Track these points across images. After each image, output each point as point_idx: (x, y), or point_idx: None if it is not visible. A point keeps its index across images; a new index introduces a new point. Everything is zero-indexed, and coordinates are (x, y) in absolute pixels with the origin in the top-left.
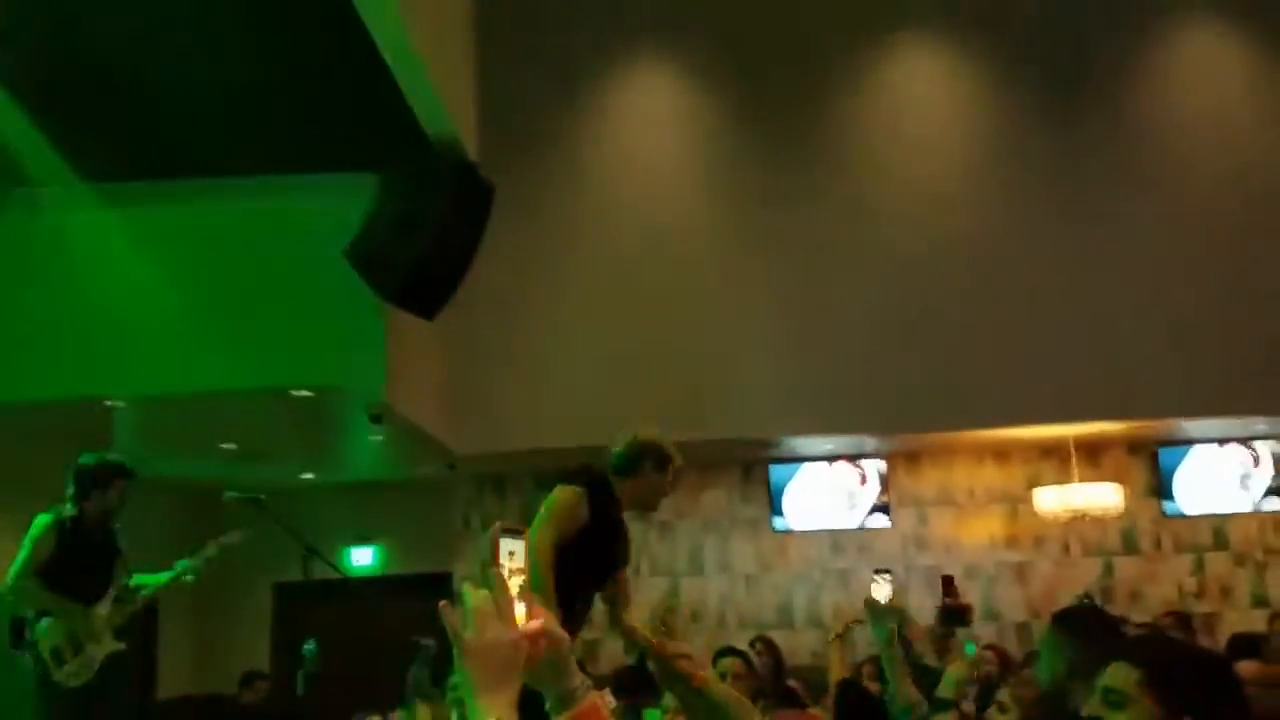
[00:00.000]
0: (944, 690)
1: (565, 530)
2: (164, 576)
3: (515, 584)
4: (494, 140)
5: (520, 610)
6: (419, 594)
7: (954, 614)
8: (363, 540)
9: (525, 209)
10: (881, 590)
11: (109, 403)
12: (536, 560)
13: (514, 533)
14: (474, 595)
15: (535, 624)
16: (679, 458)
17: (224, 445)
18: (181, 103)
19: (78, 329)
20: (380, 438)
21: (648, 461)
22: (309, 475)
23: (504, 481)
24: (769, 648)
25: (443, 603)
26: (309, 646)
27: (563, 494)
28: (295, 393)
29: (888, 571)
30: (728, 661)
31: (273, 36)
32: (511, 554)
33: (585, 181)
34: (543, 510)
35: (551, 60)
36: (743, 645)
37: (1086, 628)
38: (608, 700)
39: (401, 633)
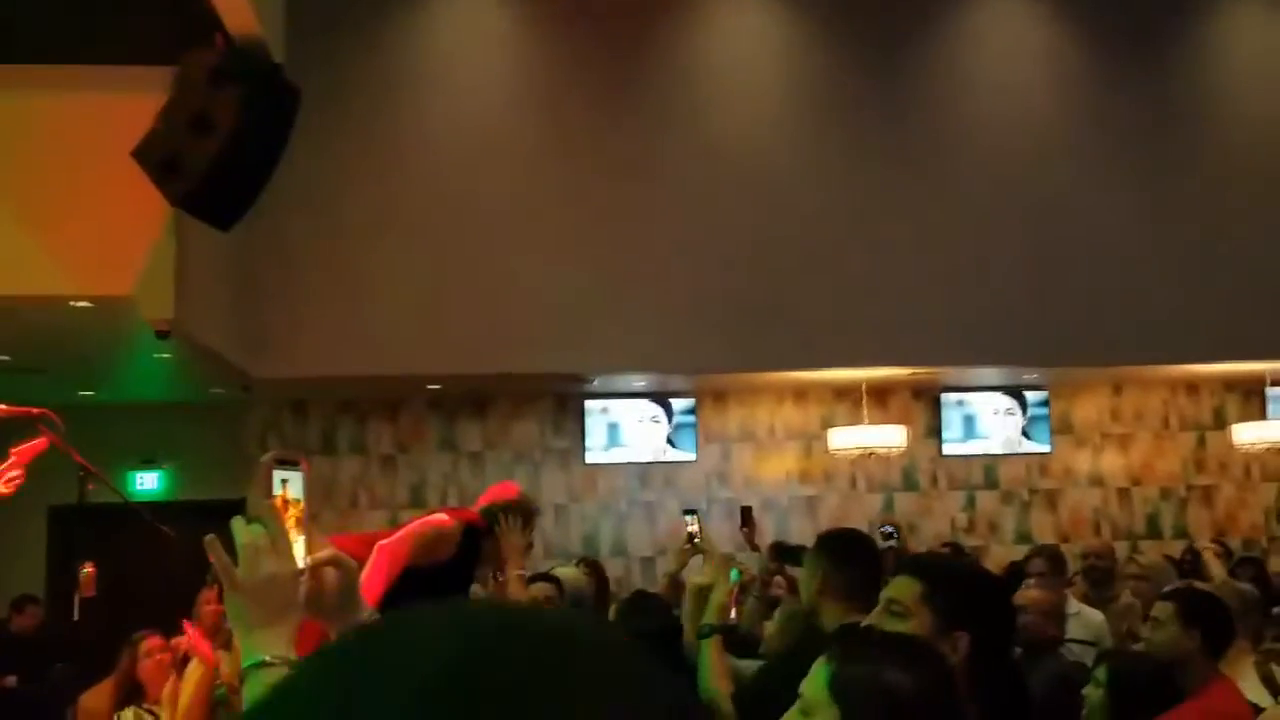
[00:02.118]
0: (707, 616)
1: (429, 553)
2: None
3: (291, 516)
4: (308, 46)
5: (300, 543)
6: (209, 520)
7: (788, 551)
8: (148, 464)
9: (339, 121)
10: (691, 529)
11: None
12: (383, 563)
13: (288, 463)
14: (244, 530)
15: (322, 554)
16: (539, 511)
17: None
18: None
19: None
20: (168, 356)
21: (515, 519)
22: (89, 393)
23: (305, 405)
24: (594, 569)
25: (208, 537)
26: (84, 571)
27: (443, 521)
28: (74, 303)
29: (695, 511)
30: (539, 587)
31: None
32: (285, 482)
33: (405, 96)
34: (411, 525)
35: None
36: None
37: (845, 550)
38: None
39: (189, 560)
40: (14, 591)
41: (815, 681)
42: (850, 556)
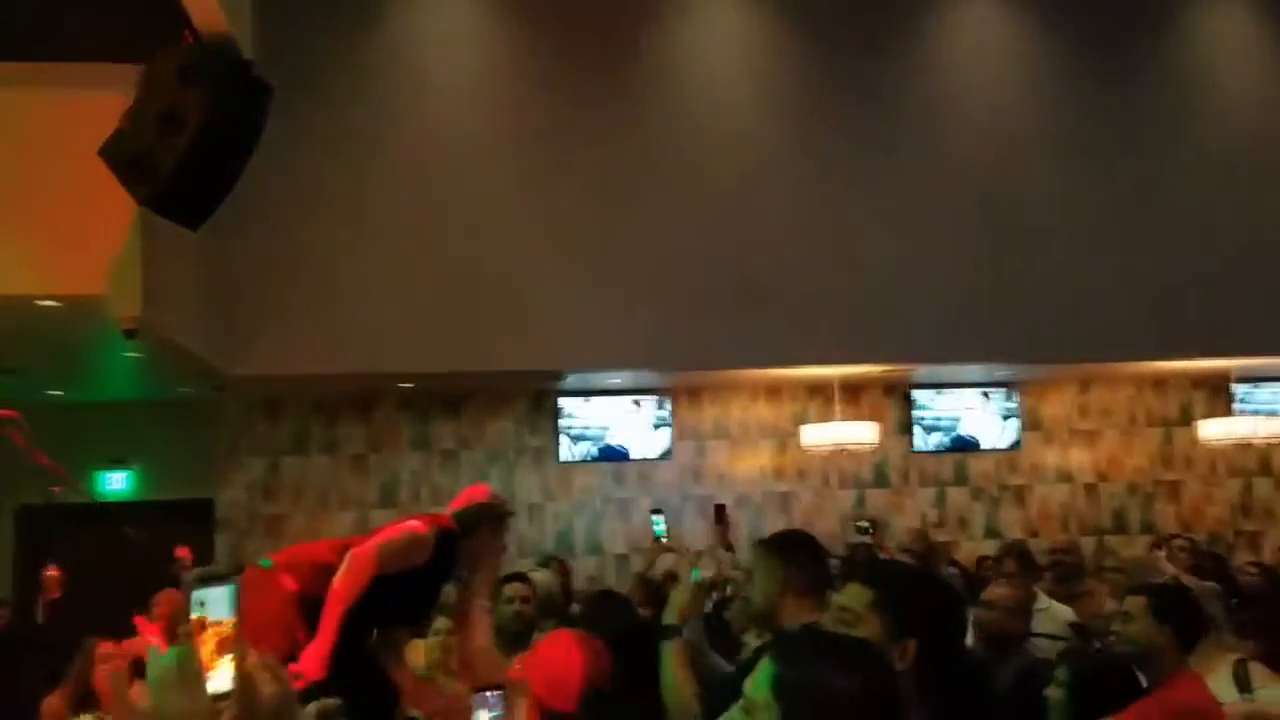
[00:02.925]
0: (668, 616)
1: (404, 560)
2: None
3: (213, 639)
4: (279, 42)
5: (225, 667)
6: (178, 521)
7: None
8: (117, 463)
9: (310, 118)
10: (660, 528)
11: None
12: (354, 571)
13: (214, 579)
14: (154, 664)
15: (251, 664)
16: (513, 513)
17: None
18: None
19: None
20: (138, 355)
21: (485, 523)
22: (58, 392)
23: (277, 405)
24: (562, 566)
25: (112, 672)
26: (49, 574)
27: (418, 528)
28: (41, 303)
29: (661, 511)
30: (512, 587)
31: None
32: (204, 604)
33: (376, 94)
34: (386, 531)
35: None
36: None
37: (800, 550)
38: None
39: (158, 561)
40: None
41: (757, 681)
42: (806, 556)
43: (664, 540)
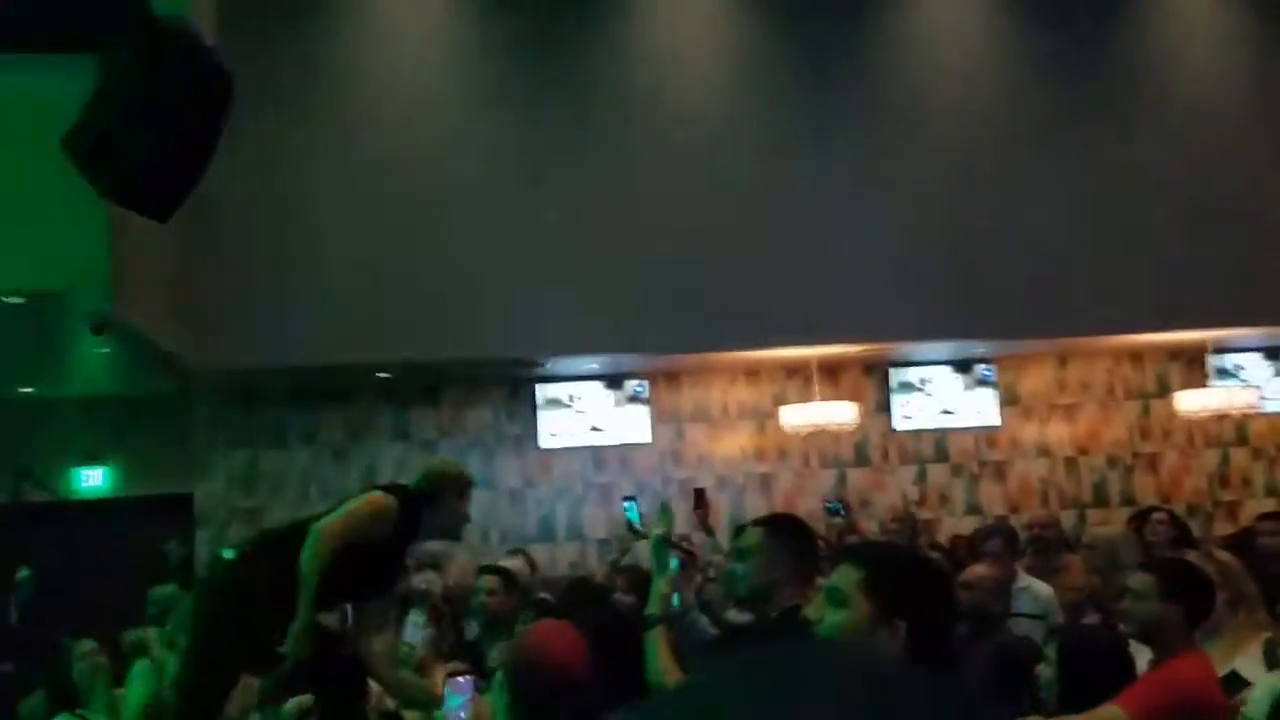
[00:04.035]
0: (651, 606)
1: (363, 534)
2: None
3: None
4: (243, 29)
5: None
6: (156, 517)
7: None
8: (92, 460)
9: (281, 105)
10: (633, 514)
11: None
12: (317, 546)
13: None
14: None
15: None
16: (475, 482)
17: None
18: None
19: None
20: (107, 350)
21: (449, 490)
22: (28, 389)
23: (252, 396)
24: (527, 558)
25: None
26: (23, 574)
27: (378, 498)
28: (5, 299)
29: (634, 498)
30: (488, 579)
31: None
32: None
33: (345, 80)
34: (348, 504)
35: None
36: (505, 561)
37: (790, 532)
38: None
39: (136, 558)
40: None
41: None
42: (796, 539)
43: (638, 528)
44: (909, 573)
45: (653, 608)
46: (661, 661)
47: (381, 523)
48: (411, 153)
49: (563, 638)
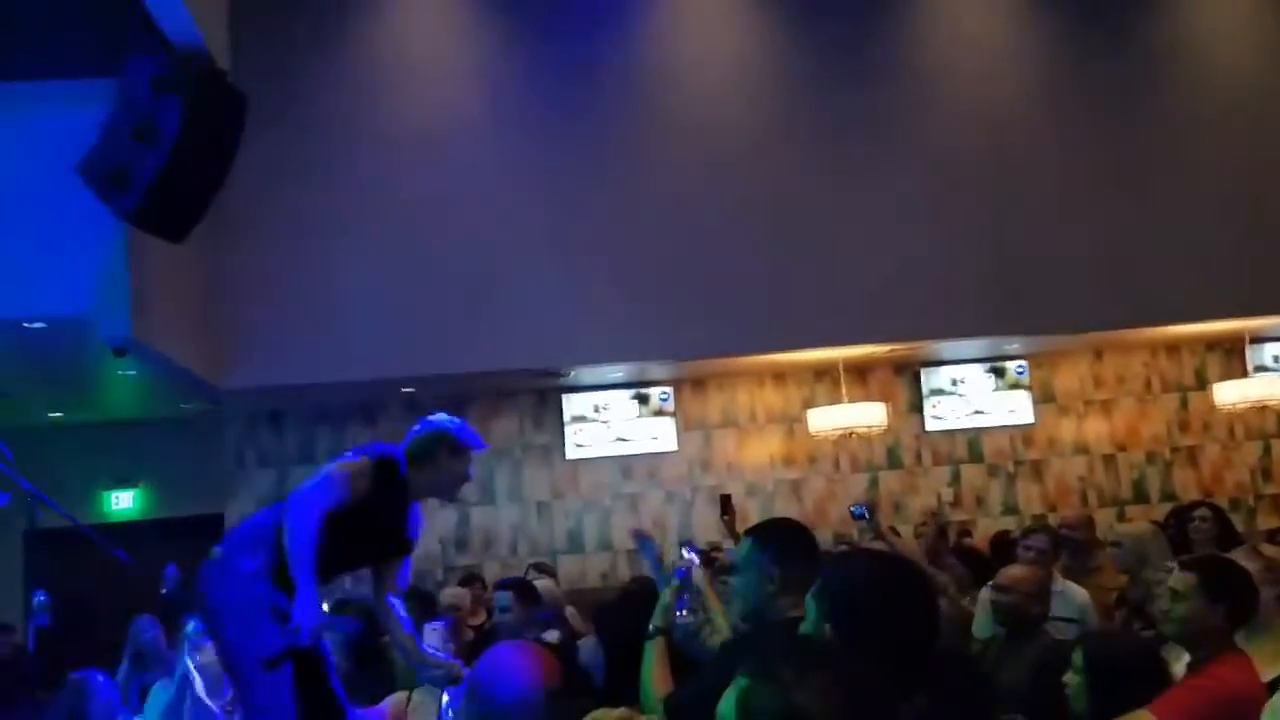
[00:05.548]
0: (655, 618)
1: (340, 497)
2: None
3: None
4: (258, 52)
5: None
6: (189, 538)
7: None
8: (123, 483)
9: (300, 125)
10: (649, 556)
11: None
12: (303, 517)
13: None
14: None
15: None
16: (477, 444)
17: None
18: None
19: None
20: (133, 373)
21: (443, 448)
22: (57, 414)
23: (281, 417)
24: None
25: None
26: (39, 599)
27: (346, 463)
28: (27, 325)
29: (648, 538)
30: (503, 595)
31: None
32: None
33: (364, 97)
34: (320, 473)
35: None
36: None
37: (792, 541)
38: None
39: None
40: None
41: (728, 701)
42: (797, 549)
43: (659, 570)
44: (854, 580)
45: (655, 619)
46: (653, 671)
47: (356, 481)
48: (434, 168)
49: (523, 658)
